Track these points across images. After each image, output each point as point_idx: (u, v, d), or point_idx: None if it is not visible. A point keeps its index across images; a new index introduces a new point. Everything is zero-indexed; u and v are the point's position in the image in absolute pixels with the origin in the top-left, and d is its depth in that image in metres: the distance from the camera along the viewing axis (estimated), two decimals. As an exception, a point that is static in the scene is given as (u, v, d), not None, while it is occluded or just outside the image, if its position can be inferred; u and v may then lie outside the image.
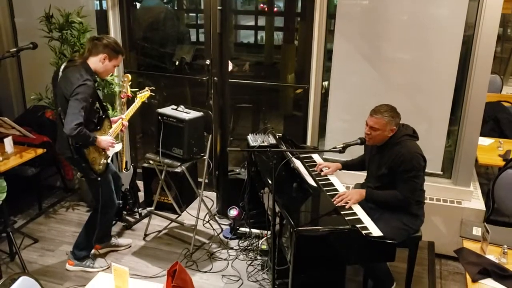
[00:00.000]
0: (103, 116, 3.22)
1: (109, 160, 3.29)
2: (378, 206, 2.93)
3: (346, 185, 3.20)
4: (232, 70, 4.13)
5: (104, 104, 3.35)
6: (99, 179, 3.20)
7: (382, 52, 3.65)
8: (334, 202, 2.80)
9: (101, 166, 3.20)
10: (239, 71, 4.68)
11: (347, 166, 3.31)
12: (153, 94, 3.75)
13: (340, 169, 3.27)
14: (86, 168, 3.12)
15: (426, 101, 3.61)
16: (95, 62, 3.06)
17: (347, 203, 2.80)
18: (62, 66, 3.05)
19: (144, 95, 3.68)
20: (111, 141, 3.20)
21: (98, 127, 3.17)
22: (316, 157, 3.51)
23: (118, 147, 3.36)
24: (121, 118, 3.40)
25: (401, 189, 2.84)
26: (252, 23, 5.30)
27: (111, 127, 3.30)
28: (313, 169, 3.27)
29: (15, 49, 3.03)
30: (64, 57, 3.99)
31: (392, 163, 2.84)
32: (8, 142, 3.73)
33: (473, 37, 3.38)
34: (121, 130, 3.46)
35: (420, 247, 3.06)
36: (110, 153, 3.28)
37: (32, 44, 3.07)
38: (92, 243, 3.45)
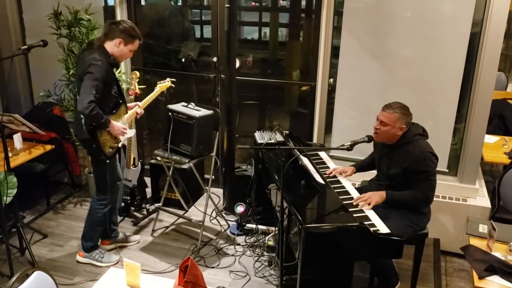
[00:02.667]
0: (120, 102, 3.28)
1: (120, 145, 3.34)
2: (397, 206, 2.92)
3: (352, 182, 3.21)
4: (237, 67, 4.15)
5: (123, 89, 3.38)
6: (107, 161, 3.25)
7: (389, 49, 3.66)
8: (354, 203, 2.79)
9: (111, 149, 3.26)
10: (243, 66, 4.68)
11: (360, 168, 3.29)
12: (173, 85, 3.78)
13: (354, 173, 3.27)
14: (97, 149, 3.17)
15: (432, 98, 3.63)
16: (111, 46, 3.11)
17: (369, 204, 2.79)
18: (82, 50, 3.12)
19: (165, 85, 3.73)
20: (123, 128, 3.23)
21: (114, 111, 3.22)
22: (323, 154, 3.53)
23: (130, 133, 3.41)
24: (137, 105, 3.45)
25: (420, 188, 2.85)
26: (255, 19, 5.31)
27: (127, 113, 3.35)
28: (320, 166, 3.29)
29: (26, 47, 3.04)
30: (73, 54, 4.02)
31: (405, 164, 2.86)
32: (17, 138, 3.77)
33: (480, 33, 3.39)
34: (136, 117, 3.52)
35: (426, 244, 3.07)
36: (122, 138, 3.32)
37: (42, 41, 3.09)
38: (97, 235, 3.49)
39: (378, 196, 2.85)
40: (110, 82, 3.14)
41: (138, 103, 3.50)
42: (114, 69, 3.21)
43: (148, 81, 4.55)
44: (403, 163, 2.87)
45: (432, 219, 3.05)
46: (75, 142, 4.19)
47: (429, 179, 2.84)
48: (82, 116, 3.06)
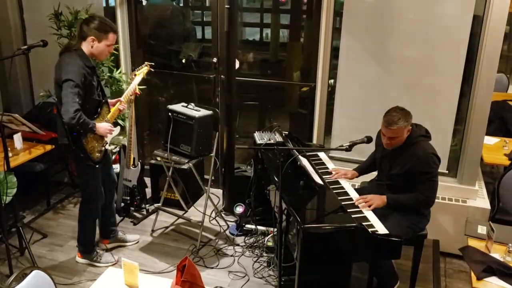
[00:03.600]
0: (102, 101, 3.21)
1: (107, 146, 3.30)
2: (398, 209, 2.92)
3: (352, 183, 3.22)
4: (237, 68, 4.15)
5: (104, 85, 3.30)
6: (97, 166, 3.21)
7: (389, 50, 3.67)
8: (356, 203, 2.80)
9: (99, 154, 3.21)
10: (243, 66, 4.69)
11: (362, 171, 3.29)
12: (152, 70, 3.70)
13: (357, 177, 3.26)
14: (84, 157, 3.12)
15: (432, 99, 3.63)
16: (87, 46, 3.04)
17: (369, 206, 2.80)
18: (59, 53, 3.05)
19: (142, 71, 3.64)
20: (109, 127, 3.19)
21: (96, 115, 3.15)
22: (322, 155, 3.53)
23: (116, 130, 3.35)
24: (119, 101, 3.37)
25: (422, 190, 2.85)
26: (257, 20, 5.32)
27: (109, 112, 3.29)
28: (320, 167, 3.30)
29: (25, 47, 3.05)
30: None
31: (408, 165, 2.86)
32: (17, 138, 3.78)
33: (480, 35, 3.39)
34: (119, 112, 3.41)
35: (425, 245, 3.07)
36: (108, 139, 3.29)
37: (42, 41, 3.10)
38: (91, 239, 3.48)
39: (379, 199, 2.85)
40: (90, 85, 3.06)
41: (120, 98, 3.40)
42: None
43: (149, 81, 4.55)
44: (405, 164, 2.87)
45: (431, 220, 3.05)
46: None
47: (431, 181, 2.84)
48: (66, 126, 2.96)
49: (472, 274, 2.44)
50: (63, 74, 2.91)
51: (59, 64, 3.01)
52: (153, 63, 3.71)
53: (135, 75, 3.64)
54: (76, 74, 2.91)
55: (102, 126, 3.13)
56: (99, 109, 3.17)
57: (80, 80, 2.92)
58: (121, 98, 3.41)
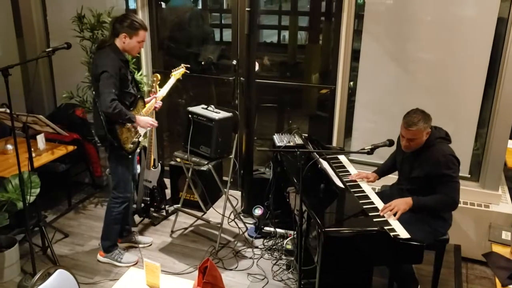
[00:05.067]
0: (138, 97, 3.35)
1: (141, 139, 3.41)
2: (423, 212, 2.87)
3: (372, 187, 3.19)
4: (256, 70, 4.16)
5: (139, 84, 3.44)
6: (129, 157, 3.33)
7: (410, 53, 3.63)
8: (381, 214, 2.74)
9: (132, 145, 3.32)
10: (263, 69, 4.69)
11: (383, 173, 3.27)
12: (187, 72, 3.82)
13: (378, 179, 3.24)
14: (118, 147, 3.23)
15: (454, 102, 3.58)
16: (119, 42, 3.20)
17: (395, 214, 2.74)
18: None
19: (179, 72, 3.78)
20: (151, 121, 3.35)
21: (132, 108, 3.28)
22: (342, 158, 3.52)
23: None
24: (154, 98, 3.53)
25: (446, 191, 2.80)
26: (275, 22, 5.32)
27: (144, 106, 3.43)
28: (340, 170, 3.28)
29: (50, 49, 3.10)
30: (95, 56, 4.09)
31: (427, 168, 2.83)
32: (40, 139, 3.85)
33: (504, 37, 3.33)
34: (154, 109, 3.58)
35: (447, 250, 3.04)
36: (142, 131, 3.40)
37: (66, 44, 3.14)
38: (114, 233, 3.53)
39: (404, 203, 2.78)
40: (125, 79, 3.21)
41: (155, 95, 3.58)
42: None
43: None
44: (425, 166, 2.84)
45: (453, 225, 3.01)
46: (97, 143, 4.25)
47: (453, 182, 2.80)
48: (104, 115, 3.11)
49: (497, 280, 2.40)
50: (99, 67, 3.08)
51: (95, 60, 3.22)
52: (188, 65, 3.85)
53: (172, 75, 3.77)
54: (111, 66, 3.07)
55: (143, 119, 3.30)
56: (134, 103, 3.31)
57: (115, 71, 3.08)
58: (157, 95, 3.57)
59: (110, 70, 3.05)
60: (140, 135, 3.39)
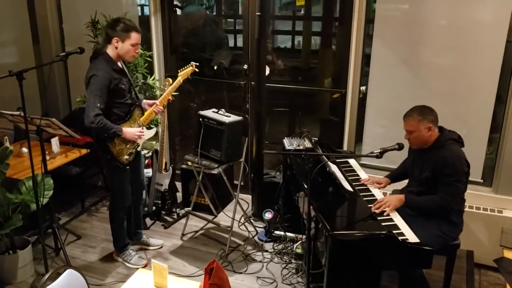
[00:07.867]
0: (135, 104, 3.27)
1: (139, 149, 3.35)
2: (417, 211, 2.87)
3: (383, 191, 3.17)
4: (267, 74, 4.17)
5: (138, 91, 3.34)
6: (127, 168, 3.28)
7: (421, 57, 3.61)
8: (373, 209, 2.77)
9: (128, 157, 3.27)
10: (275, 72, 4.70)
11: (394, 178, 3.26)
12: (197, 70, 3.69)
13: (389, 184, 3.24)
14: (111, 160, 3.21)
15: (466, 107, 3.55)
16: (112, 49, 3.12)
17: (385, 210, 2.77)
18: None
19: (186, 72, 3.63)
20: (138, 133, 3.22)
21: (127, 117, 3.22)
22: (353, 162, 3.51)
23: (149, 133, 3.40)
24: (155, 104, 3.39)
25: (442, 193, 2.79)
26: (289, 27, 5.34)
27: (142, 115, 3.35)
28: (350, 174, 3.27)
29: (64, 53, 3.16)
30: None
31: (435, 166, 2.81)
32: (55, 142, 3.92)
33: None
34: (156, 114, 3.45)
35: (459, 256, 3.00)
36: (141, 141, 3.33)
37: (79, 48, 3.20)
38: (123, 234, 3.56)
39: (396, 199, 2.82)
40: (118, 89, 3.12)
41: (156, 101, 3.42)
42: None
43: (181, 87, 4.62)
44: (433, 165, 2.82)
45: (465, 230, 2.97)
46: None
47: (454, 185, 2.77)
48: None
49: (508, 286, 2.37)
50: (88, 80, 3.03)
51: (87, 70, 3.12)
52: (197, 63, 3.69)
53: (178, 75, 3.63)
54: (99, 79, 3.00)
55: (130, 131, 3.18)
56: (130, 113, 3.25)
57: (104, 84, 3.01)
58: (157, 101, 3.43)
59: (98, 83, 2.97)
60: (139, 145, 3.34)
